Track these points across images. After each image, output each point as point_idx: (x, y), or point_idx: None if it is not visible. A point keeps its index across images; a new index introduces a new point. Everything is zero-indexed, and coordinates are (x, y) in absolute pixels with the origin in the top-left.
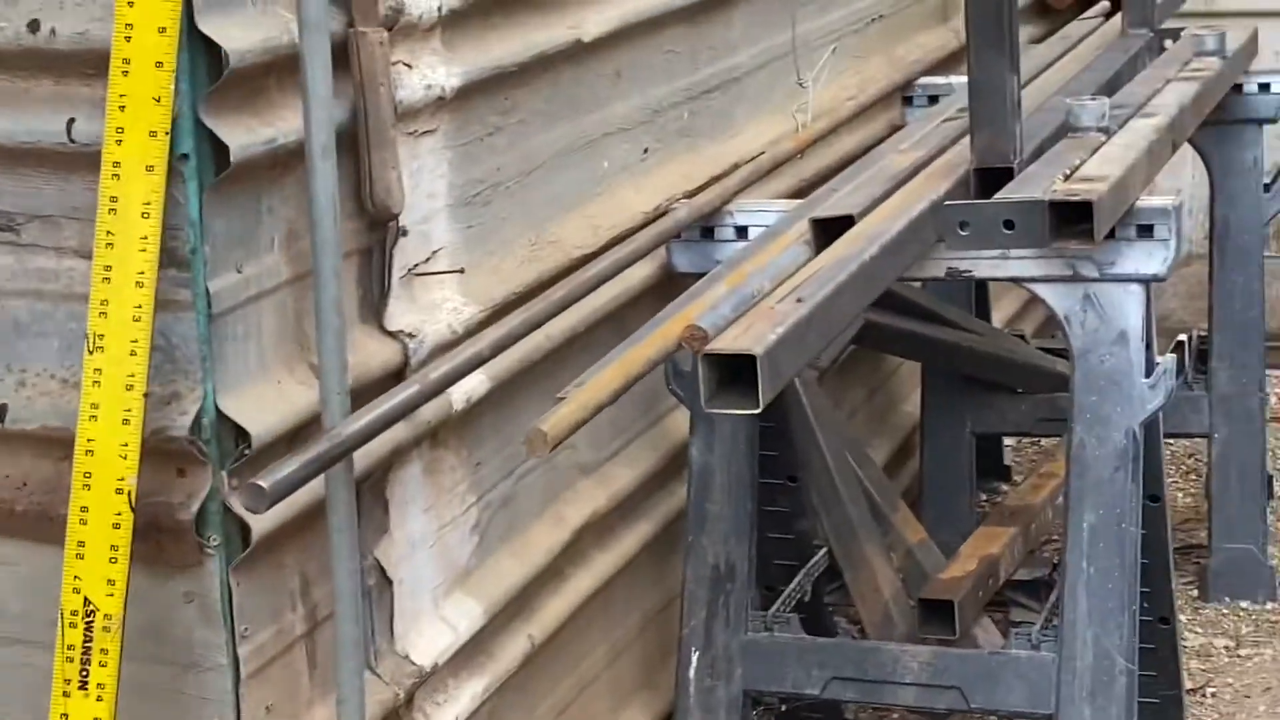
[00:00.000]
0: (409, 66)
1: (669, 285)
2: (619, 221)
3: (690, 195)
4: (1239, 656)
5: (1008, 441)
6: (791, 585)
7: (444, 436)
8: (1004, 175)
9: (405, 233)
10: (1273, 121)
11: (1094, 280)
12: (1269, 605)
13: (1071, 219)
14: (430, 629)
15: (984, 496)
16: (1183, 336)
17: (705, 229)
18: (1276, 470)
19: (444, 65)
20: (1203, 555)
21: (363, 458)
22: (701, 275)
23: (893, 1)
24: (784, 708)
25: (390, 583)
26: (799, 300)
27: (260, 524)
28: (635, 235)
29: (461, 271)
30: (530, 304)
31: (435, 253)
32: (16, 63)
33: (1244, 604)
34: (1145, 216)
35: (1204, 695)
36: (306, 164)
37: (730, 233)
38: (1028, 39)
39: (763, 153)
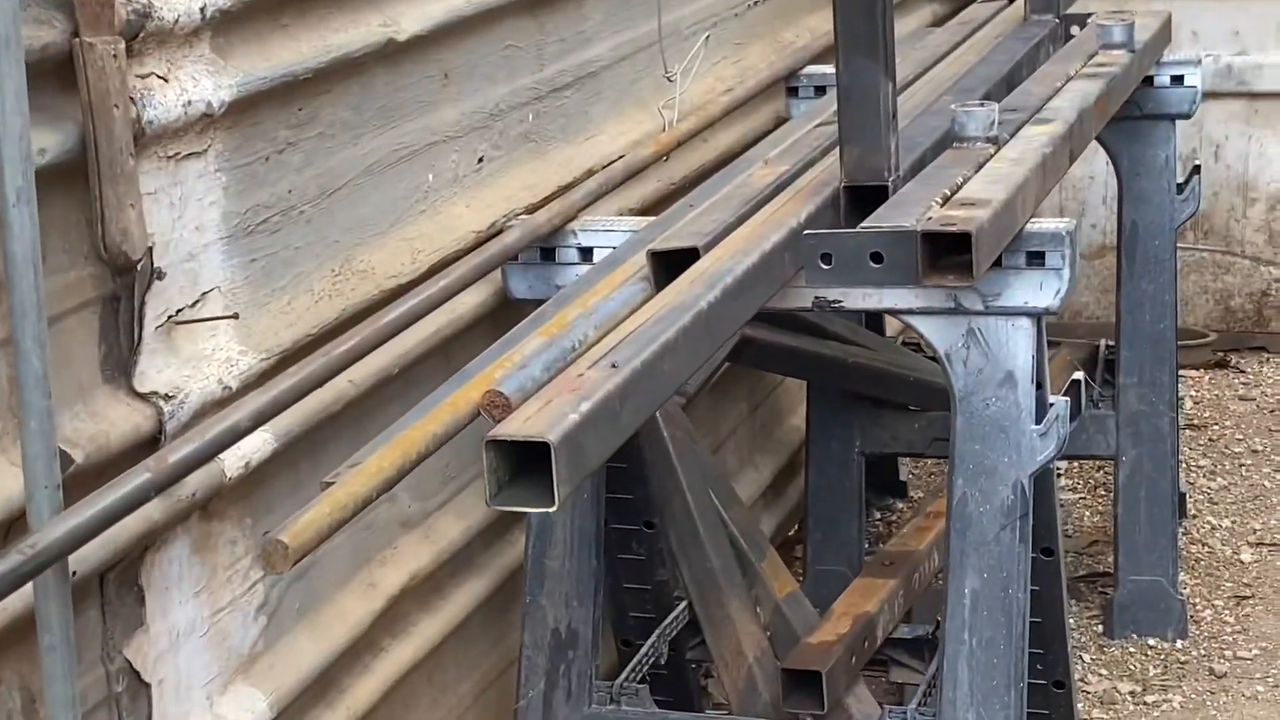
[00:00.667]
0: (163, 80)
1: (505, 313)
2: (445, 244)
3: (533, 209)
4: (1145, 704)
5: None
6: (643, 649)
7: (218, 507)
8: (877, 195)
9: (162, 275)
10: (1187, 117)
11: (978, 314)
12: (1179, 643)
13: (949, 250)
14: None
15: (878, 515)
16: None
17: (545, 250)
18: (1190, 485)
19: (212, 76)
20: (1109, 584)
21: (103, 545)
22: (540, 303)
23: None
24: None
25: (147, 685)
26: (613, 365)
27: None
28: (463, 259)
29: (235, 317)
30: (327, 347)
31: (204, 295)
32: None
33: (1151, 641)
34: (1036, 242)
35: None
36: None
37: (573, 254)
38: (929, 21)
39: (619, 158)
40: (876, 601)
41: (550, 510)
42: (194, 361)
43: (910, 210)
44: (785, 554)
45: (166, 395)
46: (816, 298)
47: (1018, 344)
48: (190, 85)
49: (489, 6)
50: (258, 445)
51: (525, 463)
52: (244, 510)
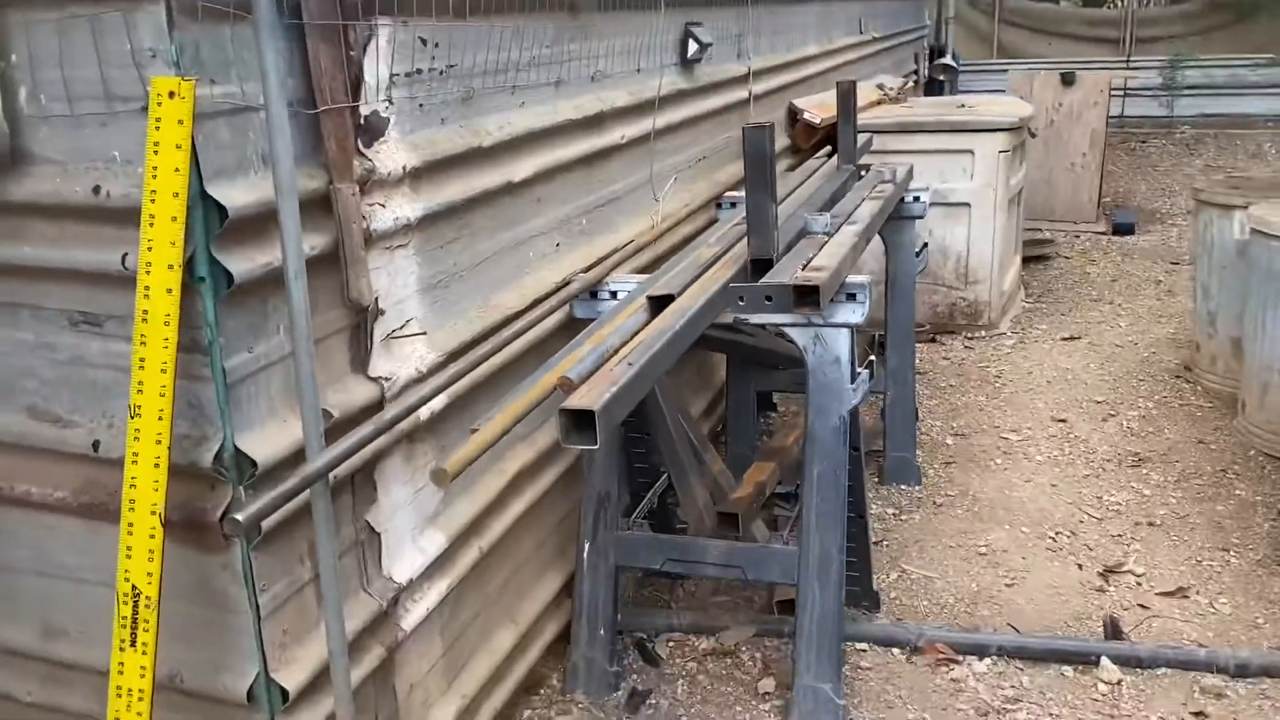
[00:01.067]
0: (383, 206)
1: (572, 327)
2: (538, 290)
3: (586, 270)
4: (900, 520)
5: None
6: (643, 502)
7: (418, 435)
8: (768, 265)
9: (383, 312)
10: (920, 218)
11: (820, 326)
12: (916, 488)
13: (807, 294)
14: (408, 557)
15: (764, 422)
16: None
17: (592, 292)
18: (921, 405)
19: (409, 204)
20: (881, 458)
21: (355, 461)
22: (590, 321)
23: (710, 148)
24: (640, 576)
25: (378, 534)
26: (629, 364)
27: (268, 522)
28: (548, 299)
29: (425, 334)
30: (477, 348)
31: (408, 321)
32: (89, 215)
33: (904, 487)
34: (851, 288)
35: (882, 545)
36: (285, 283)
37: (607, 295)
38: (785, 168)
39: (630, 242)
40: (766, 474)
41: (594, 447)
42: (401, 359)
43: (786, 272)
44: (715, 445)
45: (385, 378)
46: (736, 318)
47: (841, 342)
48: (397, 209)
49: (563, 162)
50: (438, 402)
51: (581, 420)
52: (431, 435)
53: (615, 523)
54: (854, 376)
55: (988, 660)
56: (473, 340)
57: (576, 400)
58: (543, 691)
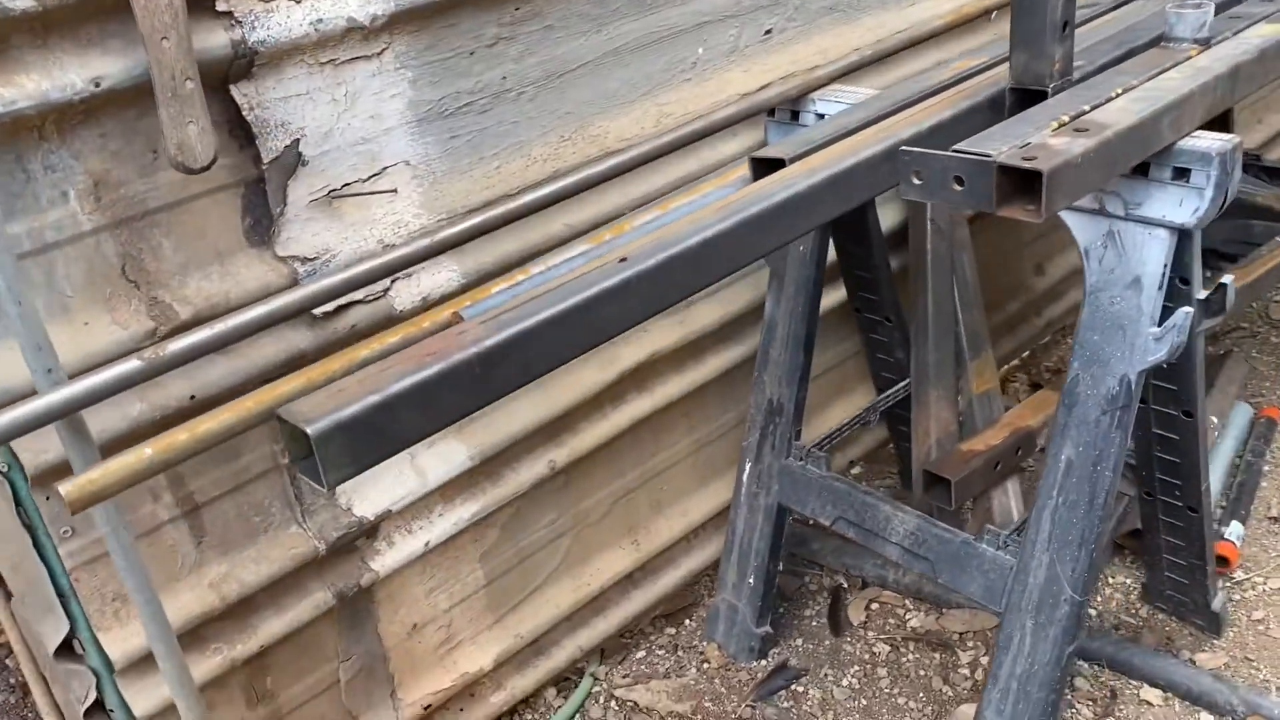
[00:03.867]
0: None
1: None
2: (699, 108)
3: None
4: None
5: None
6: (856, 416)
7: None
8: (1036, 98)
9: (305, 161)
10: None
11: (1118, 218)
12: None
13: (1025, 181)
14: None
15: None
16: (1227, 279)
17: (794, 112)
18: None
19: None
20: None
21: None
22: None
23: None
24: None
25: None
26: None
27: None
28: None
29: (394, 191)
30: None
31: (385, 170)
32: None
33: None
34: (1184, 159)
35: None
36: None
37: (812, 116)
38: None
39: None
40: (1041, 417)
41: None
42: (357, 225)
43: (1019, 131)
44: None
45: (306, 258)
46: None
47: (1150, 251)
48: (326, 6)
49: None
50: (440, 282)
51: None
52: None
53: (785, 447)
54: (1163, 315)
55: None
56: (522, 190)
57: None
58: (686, 624)
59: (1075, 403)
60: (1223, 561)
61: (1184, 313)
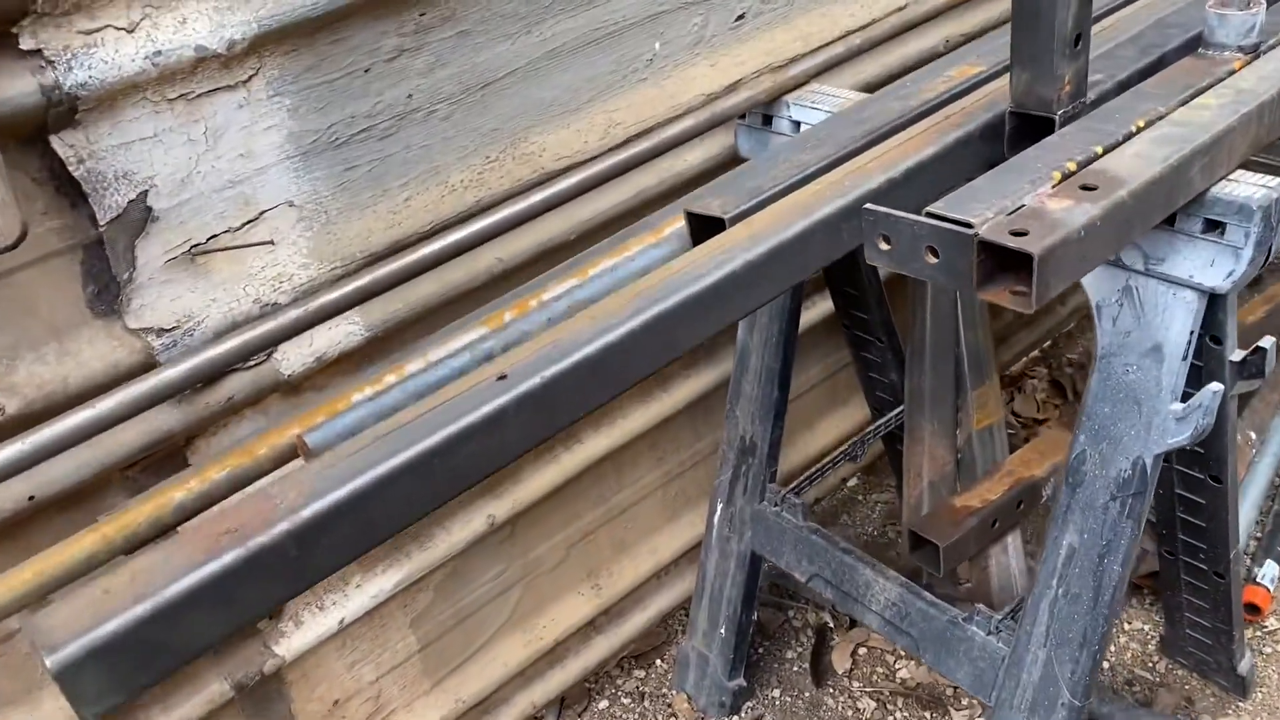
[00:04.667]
0: (129, 31)
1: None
2: (656, 113)
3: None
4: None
5: None
6: (813, 469)
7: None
8: (1041, 127)
9: (156, 218)
10: None
11: (1136, 272)
12: None
13: (1010, 261)
14: None
15: None
16: (1267, 342)
17: (766, 116)
18: None
19: (212, 17)
20: None
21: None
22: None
23: None
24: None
25: None
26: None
27: None
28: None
29: (271, 243)
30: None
31: (263, 214)
32: None
33: None
34: (1218, 210)
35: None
36: None
37: (787, 121)
38: None
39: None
40: (1047, 465)
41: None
42: (229, 284)
43: (1011, 187)
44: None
45: (164, 328)
46: None
47: (1174, 316)
48: (166, 35)
49: None
50: (338, 338)
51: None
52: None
53: (758, 489)
54: (1190, 377)
55: None
56: (450, 222)
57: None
58: (657, 665)
59: (1080, 483)
60: (1253, 610)
61: (1212, 391)
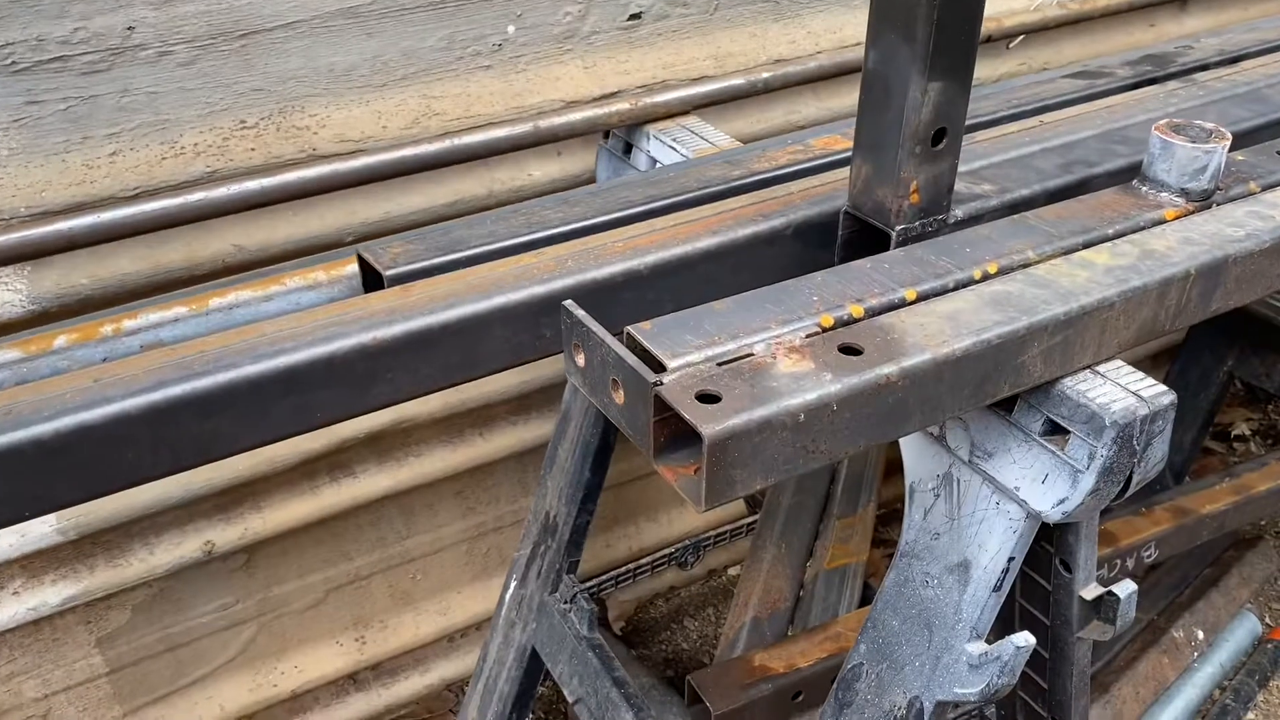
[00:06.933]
0: None
1: None
2: (495, 111)
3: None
4: None
5: None
6: (622, 570)
7: None
8: (875, 239)
9: None
10: None
11: (960, 460)
12: None
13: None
14: None
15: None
16: (1123, 590)
17: (627, 145)
18: None
19: None
20: None
21: None
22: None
23: None
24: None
25: None
26: None
27: None
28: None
29: None
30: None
31: None
32: None
33: None
34: (1064, 411)
35: None
36: None
37: (645, 156)
38: None
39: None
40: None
41: None
42: None
43: (764, 317)
44: None
45: None
46: None
47: (991, 531)
48: None
49: None
50: None
51: None
52: None
53: (551, 578)
54: (988, 629)
55: None
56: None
57: None
58: None
59: (850, 703)
60: None
61: (1015, 645)
